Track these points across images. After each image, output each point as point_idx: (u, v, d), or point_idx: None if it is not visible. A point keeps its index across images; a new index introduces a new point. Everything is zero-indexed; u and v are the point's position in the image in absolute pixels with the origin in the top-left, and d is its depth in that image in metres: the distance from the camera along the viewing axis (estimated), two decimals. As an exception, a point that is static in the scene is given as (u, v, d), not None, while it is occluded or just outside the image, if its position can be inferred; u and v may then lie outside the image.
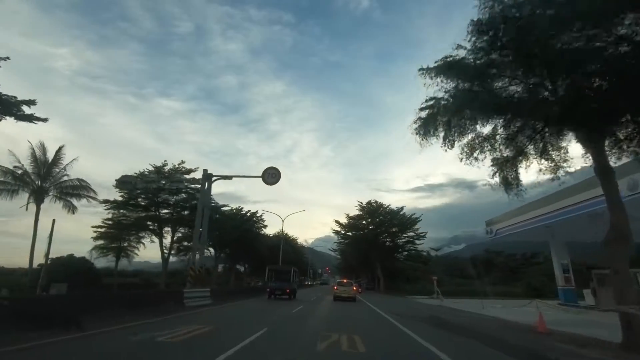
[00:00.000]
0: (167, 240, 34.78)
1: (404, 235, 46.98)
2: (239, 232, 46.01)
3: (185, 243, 48.81)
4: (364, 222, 47.40)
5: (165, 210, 33.35)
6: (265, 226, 56.53)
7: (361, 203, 47.56)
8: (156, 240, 34.49)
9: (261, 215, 55.40)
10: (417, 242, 47.40)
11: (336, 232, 48.20)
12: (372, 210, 46.73)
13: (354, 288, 25.27)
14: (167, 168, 33.41)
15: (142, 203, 32.01)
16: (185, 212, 35.23)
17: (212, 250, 48.36)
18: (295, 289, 26.87)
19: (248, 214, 54.46)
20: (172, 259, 40.17)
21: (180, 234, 36.06)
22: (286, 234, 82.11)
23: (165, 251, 33.99)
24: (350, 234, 47.85)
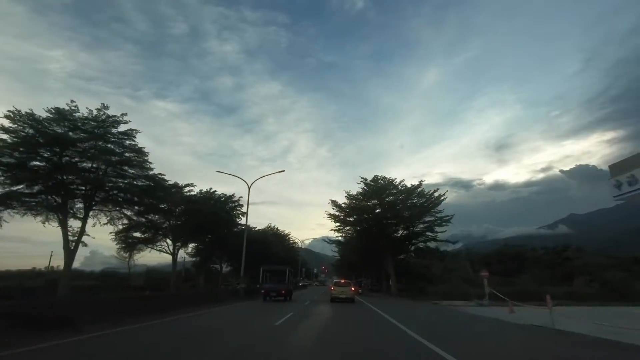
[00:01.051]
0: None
1: (421, 221, 35.80)
2: (202, 216, 34.58)
3: (137, 234, 37.30)
4: (369, 203, 36.18)
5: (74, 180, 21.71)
6: (243, 213, 45.12)
7: (365, 179, 36.32)
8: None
9: (238, 200, 44.14)
10: (438, 229, 36.21)
11: (332, 217, 36.83)
12: (380, 189, 35.49)
13: (352, 288, 23.69)
14: (78, 115, 22.04)
15: (31, 164, 20.49)
16: (122, 182, 23.73)
17: (169, 242, 36.83)
18: (291, 289, 25.75)
19: (222, 198, 43.34)
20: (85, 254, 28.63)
21: (100, 210, 24.41)
22: (276, 228, 70.72)
23: (70, 240, 22.21)
24: (351, 219, 36.50)
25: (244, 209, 44.81)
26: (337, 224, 36.75)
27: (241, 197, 44.44)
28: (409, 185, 35.36)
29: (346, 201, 36.11)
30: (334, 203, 36.21)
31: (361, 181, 36.31)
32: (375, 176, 36.23)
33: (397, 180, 35.75)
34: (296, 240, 77.09)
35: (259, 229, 61.00)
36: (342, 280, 25.72)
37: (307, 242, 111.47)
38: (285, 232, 70.30)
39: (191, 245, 44.69)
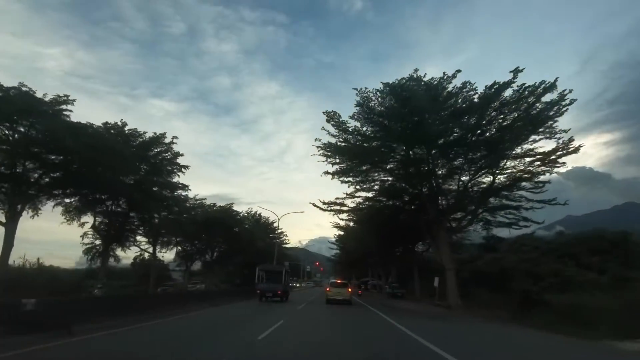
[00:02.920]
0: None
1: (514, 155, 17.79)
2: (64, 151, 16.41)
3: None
4: (398, 126, 18.07)
5: None
6: (182, 168, 27.65)
7: (389, 84, 18.00)
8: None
9: (172, 141, 26.70)
10: (542, 174, 18.35)
11: (328, 152, 18.54)
12: (430, 95, 17.24)
13: (349, 289, 22.36)
14: None
15: None
16: None
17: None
18: (287, 290, 25.51)
19: (141, 137, 26.17)
20: None
21: None
22: (259, 214, 52.17)
23: None
24: (368, 144, 17.49)
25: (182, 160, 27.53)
26: (338, 164, 18.46)
27: (176, 137, 26.60)
28: (483, 88, 17.15)
29: (357, 116, 17.59)
30: (330, 116, 17.62)
31: (382, 86, 18.04)
32: (413, 75, 17.71)
33: (456, 82, 17.30)
34: (281, 229, 57.74)
35: (218, 206, 40.67)
36: (338, 281, 25.38)
37: (304, 242, 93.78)
38: (270, 219, 51.24)
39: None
